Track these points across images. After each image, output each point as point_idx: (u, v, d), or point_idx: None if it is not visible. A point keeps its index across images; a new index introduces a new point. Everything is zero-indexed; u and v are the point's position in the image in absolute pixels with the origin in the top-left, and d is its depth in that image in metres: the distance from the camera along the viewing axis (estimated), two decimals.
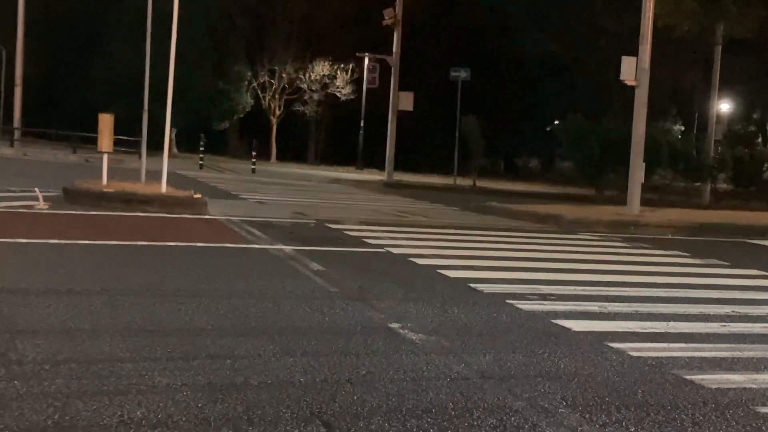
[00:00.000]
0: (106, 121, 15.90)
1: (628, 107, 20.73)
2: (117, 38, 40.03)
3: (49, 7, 41.23)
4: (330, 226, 14.30)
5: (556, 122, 39.07)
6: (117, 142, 17.63)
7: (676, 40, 29.76)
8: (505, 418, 4.66)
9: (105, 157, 16.12)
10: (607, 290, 9.19)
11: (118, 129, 16.52)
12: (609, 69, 24.69)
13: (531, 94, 47.75)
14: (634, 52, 20.02)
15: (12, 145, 34.34)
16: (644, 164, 20.42)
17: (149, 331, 6.03)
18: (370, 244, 12.17)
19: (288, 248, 10.97)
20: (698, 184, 32.84)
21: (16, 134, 36.42)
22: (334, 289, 8.29)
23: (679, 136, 34.48)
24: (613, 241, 15.20)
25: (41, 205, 13.93)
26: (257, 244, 11.39)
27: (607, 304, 8.33)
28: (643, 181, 20.57)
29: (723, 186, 34.42)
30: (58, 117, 41.76)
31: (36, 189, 15.71)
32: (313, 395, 4.81)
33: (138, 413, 4.32)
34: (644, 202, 20.72)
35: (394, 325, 6.76)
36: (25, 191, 15.86)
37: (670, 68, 36.26)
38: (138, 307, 6.81)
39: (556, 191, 33.49)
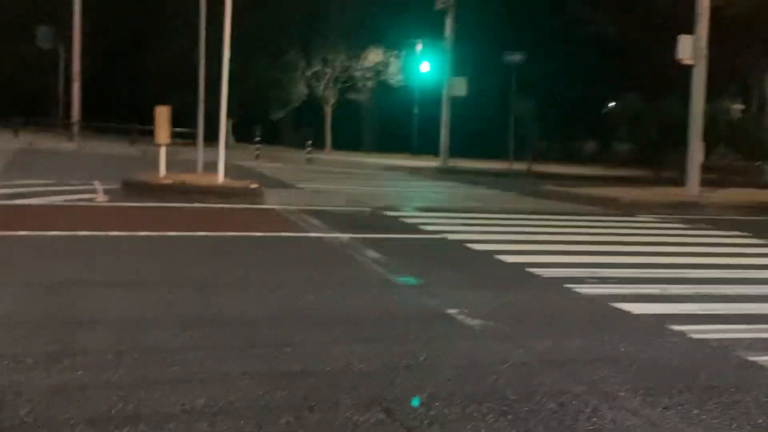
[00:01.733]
0: (162, 114, 16.09)
1: (686, 87, 20.40)
2: (172, 31, 40.45)
3: (105, 1, 41.75)
4: (386, 213, 14.31)
5: (612, 104, 38.62)
6: (174, 134, 17.82)
7: (733, 17, 29.13)
8: (565, 402, 4.63)
9: (162, 149, 16.31)
10: (667, 272, 9.07)
11: (174, 121, 16.70)
12: (664, 49, 24.27)
13: (586, 75, 47.17)
14: (690, 31, 19.70)
15: (71, 140, 34.91)
16: (703, 144, 20.10)
17: (209, 321, 6.09)
18: (427, 230, 12.16)
19: (344, 236, 11.00)
20: (759, 162, 32.22)
21: (75, 128, 37.02)
22: (391, 276, 8.29)
23: (739, 115, 33.83)
24: (673, 222, 14.99)
25: (101, 198, 14.15)
26: (314, 232, 11.44)
27: (667, 286, 8.22)
28: (702, 161, 20.26)
29: None
30: (115, 110, 42.36)
31: (95, 182, 15.96)
32: (372, 382, 4.82)
33: (200, 401, 4.37)
34: (704, 183, 20.40)
35: (452, 311, 6.74)
36: (85, 184, 16.12)
37: (728, 46, 35.55)
38: (197, 296, 6.89)
39: (614, 174, 33.09)
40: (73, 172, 19.19)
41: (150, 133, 17.28)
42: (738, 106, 35.42)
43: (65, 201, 13.53)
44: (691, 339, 6.17)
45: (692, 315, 6.96)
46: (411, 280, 8.09)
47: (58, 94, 41.36)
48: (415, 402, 4.59)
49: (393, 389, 4.71)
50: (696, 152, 19.83)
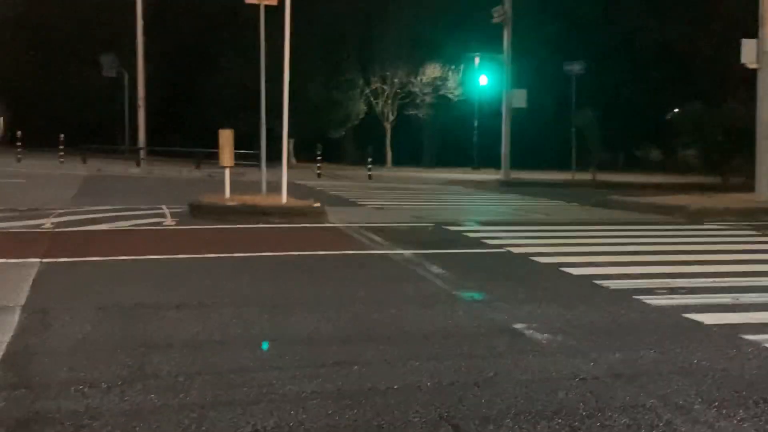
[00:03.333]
0: (226, 137, 16.29)
1: (750, 92, 20.06)
2: (233, 55, 41.01)
3: (167, 29, 42.54)
4: (449, 228, 14.28)
5: (675, 110, 38.09)
6: (238, 156, 18.02)
7: None
8: (638, 416, 4.57)
9: (227, 171, 16.50)
10: (739, 281, 8.91)
11: (237, 143, 16.89)
12: (726, 53, 23.93)
13: (647, 82, 46.65)
14: (751, 34, 19.41)
15: (138, 165, 35.54)
16: None
17: (277, 341, 6.13)
18: (490, 244, 12.10)
19: (408, 252, 11.00)
20: None
21: (142, 154, 37.70)
22: (456, 291, 8.28)
23: None
24: (743, 229, 14.72)
25: (169, 222, 14.36)
26: (377, 249, 11.46)
27: (740, 295, 8.07)
28: None
29: None
30: (180, 135, 43.03)
31: (163, 206, 16.21)
32: (441, 399, 4.81)
33: (270, 422, 4.40)
34: None
35: (519, 326, 6.70)
36: (153, 208, 16.37)
37: None
38: (265, 317, 6.95)
39: (679, 181, 32.59)
40: (141, 197, 19.50)
41: (215, 156, 17.49)
42: None
43: (134, 225, 13.76)
44: (766, 349, 6.04)
45: (767, 324, 6.82)
46: (476, 295, 8.07)
47: (123, 120, 42.14)
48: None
49: (462, 406, 4.70)
50: (764, 157, 19.46)
